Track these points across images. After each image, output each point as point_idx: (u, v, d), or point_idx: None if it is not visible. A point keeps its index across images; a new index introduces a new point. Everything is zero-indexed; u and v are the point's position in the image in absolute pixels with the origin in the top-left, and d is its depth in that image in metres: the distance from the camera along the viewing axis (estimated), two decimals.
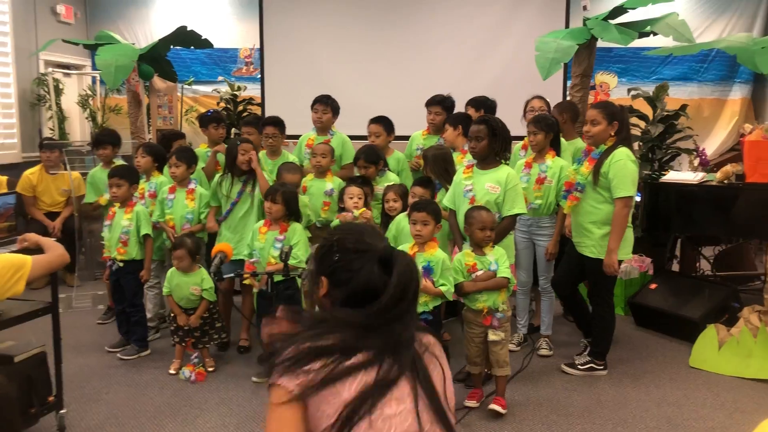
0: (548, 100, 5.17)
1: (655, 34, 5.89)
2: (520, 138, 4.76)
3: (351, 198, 4.27)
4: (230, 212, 4.57)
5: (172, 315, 4.30)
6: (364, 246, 1.50)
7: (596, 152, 4.10)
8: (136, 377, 4.24)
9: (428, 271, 3.61)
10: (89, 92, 8.67)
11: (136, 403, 3.87)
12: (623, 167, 3.95)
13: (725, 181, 5.21)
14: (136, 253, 4.49)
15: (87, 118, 8.62)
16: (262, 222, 4.17)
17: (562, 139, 4.72)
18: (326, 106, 5.17)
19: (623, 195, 3.96)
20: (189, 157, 4.71)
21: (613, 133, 4.04)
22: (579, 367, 4.30)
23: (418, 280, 1.48)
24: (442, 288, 3.58)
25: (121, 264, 4.47)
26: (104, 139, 5.35)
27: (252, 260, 4.06)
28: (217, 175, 4.76)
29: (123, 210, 4.49)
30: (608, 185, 3.99)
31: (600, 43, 6.09)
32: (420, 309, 3.56)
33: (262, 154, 5.00)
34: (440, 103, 5.15)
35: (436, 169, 4.39)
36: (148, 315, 4.80)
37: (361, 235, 1.53)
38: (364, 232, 1.56)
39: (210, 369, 4.31)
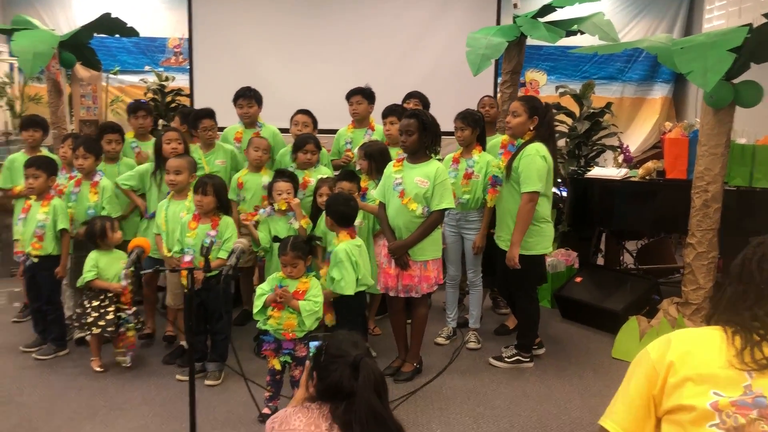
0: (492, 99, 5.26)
1: (582, 32, 6.01)
2: (450, 134, 4.78)
3: (279, 194, 4.21)
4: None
5: (92, 306, 4.10)
6: (340, 352, 1.87)
7: (513, 147, 4.17)
8: (52, 378, 4.06)
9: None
10: (6, 79, 8.26)
11: (52, 406, 3.70)
12: (531, 162, 4.01)
13: (647, 177, 5.38)
14: (53, 249, 4.30)
15: (3, 107, 8.20)
16: (190, 216, 4.03)
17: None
18: (250, 99, 5.07)
19: (529, 189, 4.01)
20: (97, 149, 4.56)
21: (532, 128, 4.11)
22: (506, 360, 4.36)
23: (383, 384, 1.86)
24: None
25: (35, 260, 4.27)
26: (35, 119, 5.14)
27: (187, 258, 3.93)
28: (149, 164, 4.63)
29: (39, 203, 4.28)
30: (518, 179, 4.06)
31: (530, 41, 6.16)
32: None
33: (195, 147, 4.87)
34: (360, 92, 5.13)
35: (380, 164, 4.36)
36: (67, 312, 4.61)
37: (340, 344, 1.90)
38: (344, 341, 1.91)
39: (127, 365, 4.17)
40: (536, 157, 4.00)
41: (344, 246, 3.75)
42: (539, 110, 4.14)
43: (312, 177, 4.62)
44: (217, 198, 3.96)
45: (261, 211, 4.33)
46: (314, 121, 5.14)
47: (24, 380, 4.03)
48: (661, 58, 4.38)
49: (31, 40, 6.00)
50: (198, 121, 4.86)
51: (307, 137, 4.71)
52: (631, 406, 1.47)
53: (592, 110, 6.23)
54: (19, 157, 4.99)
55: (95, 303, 4.10)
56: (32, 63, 5.84)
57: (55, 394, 3.85)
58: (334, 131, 5.41)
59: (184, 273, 3.62)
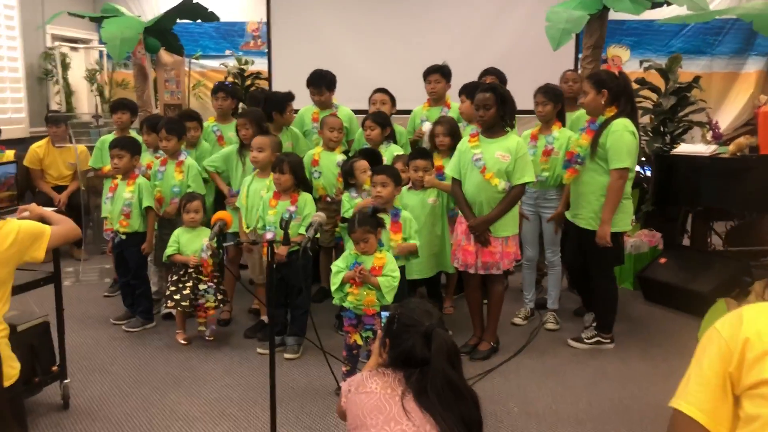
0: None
1: (669, 4, 5.75)
2: (531, 112, 4.67)
3: (363, 172, 4.21)
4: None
5: (172, 281, 4.26)
6: (413, 322, 1.88)
7: (595, 124, 4.04)
8: (141, 349, 4.24)
9: (396, 215, 3.82)
10: (96, 66, 8.63)
11: (140, 375, 3.87)
12: (620, 138, 3.88)
13: (738, 154, 5.11)
14: (139, 226, 4.46)
15: (93, 92, 8.58)
16: (270, 194, 4.10)
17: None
18: (319, 87, 5.12)
19: (619, 166, 3.90)
20: (179, 130, 4.68)
21: (604, 101, 3.98)
22: (586, 341, 4.25)
23: (457, 353, 1.86)
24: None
25: (123, 237, 4.45)
26: (123, 102, 5.36)
27: (269, 235, 3.97)
28: (234, 145, 4.75)
29: (125, 182, 4.45)
30: (606, 156, 3.93)
31: (612, 15, 5.96)
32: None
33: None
34: (438, 71, 5.06)
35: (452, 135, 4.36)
36: (153, 288, 4.79)
37: (413, 312, 1.91)
38: (416, 309, 1.93)
39: (209, 339, 4.32)
40: (624, 133, 3.88)
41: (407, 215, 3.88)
42: (607, 82, 3.98)
43: (385, 155, 4.62)
44: (294, 176, 4.01)
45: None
46: (392, 100, 5.14)
47: (115, 350, 4.22)
48: (757, 25, 4.14)
49: (118, 26, 6.26)
50: (287, 104, 4.92)
51: (368, 115, 4.73)
52: (707, 386, 1.40)
53: (678, 85, 5.96)
54: (109, 138, 5.19)
55: (174, 278, 4.26)
56: (119, 48, 6.09)
57: (142, 364, 4.03)
58: (410, 112, 5.38)
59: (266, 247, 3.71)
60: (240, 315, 4.79)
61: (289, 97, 4.98)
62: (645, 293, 5.23)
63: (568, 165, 4.21)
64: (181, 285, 4.22)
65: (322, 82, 5.12)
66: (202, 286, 4.20)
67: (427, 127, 4.65)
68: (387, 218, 3.73)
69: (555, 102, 4.39)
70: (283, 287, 4.08)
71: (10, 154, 6.21)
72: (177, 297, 4.19)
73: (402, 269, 3.88)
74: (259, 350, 4.15)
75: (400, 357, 1.87)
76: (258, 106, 5.05)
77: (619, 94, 3.98)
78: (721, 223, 6.12)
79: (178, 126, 4.70)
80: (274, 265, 2.97)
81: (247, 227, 4.22)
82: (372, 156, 4.43)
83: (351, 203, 4.19)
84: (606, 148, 3.91)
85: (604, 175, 3.98)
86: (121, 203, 4.42)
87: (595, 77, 4.08)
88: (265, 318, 4.42)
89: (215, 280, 4.28)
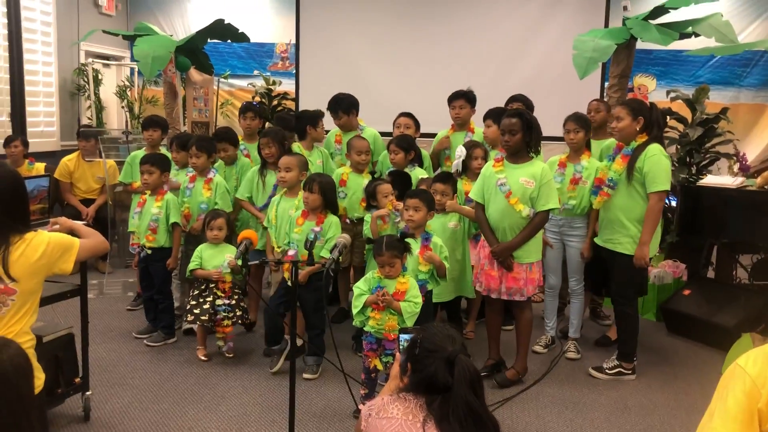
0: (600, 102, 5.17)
1: (697, 35, 5.75)
2: (556, 138, 4.67)
3: (385, 196, 4.25)
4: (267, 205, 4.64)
5: (193, 296, 4.31)
6: (435, 347, 1.86)
7: (628, 149, 4.07)
8: (161, 364, 4.27)
9: (427, 239, 3.81)
10: (127, 83, 8.80)
11: (160, 389, 3.90)
12: (658, 162, 3.94)
13: (766, 187, 5.06)
14: (165, 241, 4.52)
15: (124, 108, 8.74)
16: (299, 212, 4.13)
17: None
18: (336, 113, 5.20)
19: (659, 189, 3.95)
20: (209, 148, 4.74)
21: (638, 128, 4.04)
22: (607, 371, 4.21)
23: (479, 381, 1.84)
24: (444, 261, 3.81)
25: (149, 251, 4.51)
26: (155, 119, 5.47)
27: (291, 252, 4.01)
28: (256, 167, 4.81)
29: (153, 198, 4.52)
30: (642, 180, 3.96)
31: (639, 45, 5.96)
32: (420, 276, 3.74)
33: (297, 146, 5.03)
34: (463, 96, 5.11)
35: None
36: (176, 303, 4.84)
37: (434, 337, 1.90)
38: (438, 334, 1.91)
39: (229, 355, 4.34)
40: (662, 157, 3.96)
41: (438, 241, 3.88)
42: (643, 111, 4.06)
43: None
44: (323, 196, 4.03)
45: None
46: (416, 124, 5.18)
47: (136, 364, 4.26)
48: None
49: (150, 45, 6.38)
50: (318, 120, 5.05)
51: (392, 139, 4.79)
52: (733, 422, 1.40)
53: (705, 116, 5.93)
54: (140, 154, 5.28)
55: (195, 293, 4.31)
56: (151, 66, 6.21)
57: (163, 378, 4.06)
58: (434, 135, 5.41)
59: (287, 266, 3.73)
60: (261, 333, 4.81)
61: (320, 114, 5.08)
62: (668, 325, 5.17)
63: (598, 190, 4.22)
64: (201, 300, 4.26)
65: (337, 107, 5.20)
66: (219, 302, 4.24)
67: (459, 152, 4.65)
68: (416, 243, 3.74)
69: (586, 130, 4.41)
70: (290, 301, 4.08)
71: (40, 166, 6.34)
72: (197, 311, 4.23)
73: (429, 293, 3.89)
74: (272, 370, 4.15)
75: (422, 382, 1.85)
76: (285, 127, 5.13)
77: (651, 124, 4.05)
78: (746, 255, 6.04)
79: (208, 144, 4.77)
80: (295, 285, 2.99)
81: (278, 247, 4.26)
82: (402, 178, 4.46)
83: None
84: (643, 172, 3.96)
85: (639, 199, 4.02)
86: (148, 218, 4.49)
87: (632, 104, 4.15)
88: (287, 337, 4.43)
89: (236, 297, 4.31)
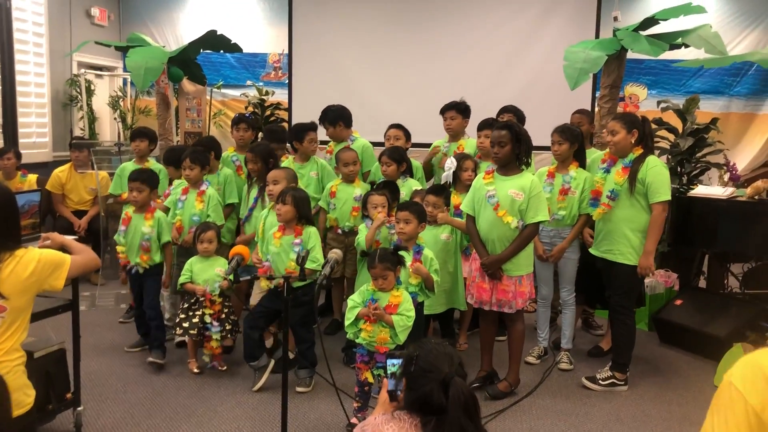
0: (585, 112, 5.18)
1: (686, 46, 5.79)
2: (548, 149, 4.69)
3: (375, 207, 4.25)
4: (248, 218, 4.72)
5: (183, 309, 4.30)
6: (431, 367, 1.85)
7: (626, 161, 4.10)
8: (154, 377, 4.26)
9: (419, 252, 3.80)
10: (120, 93, 8.80)
11: (152, 404, 3.89)
12: (659, 173, 4.03)
13: (756, 197, 5.09)
14: (159, 258, 4.48)
15: (116, 119, 8.73)
16: (276, 227, 4.10)
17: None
18: (324, 124, 5.24)
19: (662, 199, 4.01)
20: (203, 160, 4.74)
21: (633, 141, 4.10)
22: (600, 382, 4.22)
23: (475, 404, 1.83)
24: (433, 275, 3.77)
25: (141, 270, 4.43)
26: (143, 130, 5.46)
27: (265, 265, 4.03)
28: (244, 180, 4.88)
29: (142, 216, 4.44)
30: (644, 191, 4.02)
31: (630, 55, 6.00)
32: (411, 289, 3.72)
33: (289, 160, 5.04)
34: (454, 107, 5.14)
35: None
36: (166, 316, 4.83)
37: (430, 355, 1.89)
38: (434, 353, 1.90)
39: (221, 368, 4.33)
40: (662, 168, 4.05)
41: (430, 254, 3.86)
42: (636, 123, 4.12)
43: (403, 190, 4.66)
44: (296, 208, 3.97)
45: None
46: (407, 135, 5.19)
47: (128, 378, 4.24)
48: None
49: (143, 56, 6.38)
50: (305, 134, 5.03)
51: (384, 151, 4.82)
52: None
53: (696, 126, 5.97)
54: (129, 165, 5.29)
55: (185, 305, 4.30)
56: (144, 77, 6.20)
57: (155, 392, 4.04)
58: (427, 145, 5.43)
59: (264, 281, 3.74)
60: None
61: (309, 126, 5.06)
62: (660, 335, 5.19)
63: (596, 203, 4.25)
64: (191, 313, 4.26)
65: (324, 118, 5.24)
66: (207, 319, 4.24)
67: (450, 163, 4.66)
68: (409, 256, 3.74)
69: (571, 141, 4.42)
70: (270, 315, 4.10)
71: (32, 178, 6.33)
72: (186, 325, 4.23)
73: (420, 305, 3.89)
74: (253, 388, 4.10)
75: (416, 402, 1.85)
76: (274, 139, 5.15)
77: (645, 136, 4.13)
78: (738, 264, 6.07)
79: (202, 156, 4.76)
80: (287, 302, 2.99)
81: (265, 260, 4.24)
82: (389, 187, 4.47)
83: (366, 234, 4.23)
84: (646, 183, 4.02)
85: (642, 210, 4.08)
86: (138, 237, 4.41)
87: (626, 117, 4.21)
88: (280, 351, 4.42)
89: (223, 315, 4.30)
